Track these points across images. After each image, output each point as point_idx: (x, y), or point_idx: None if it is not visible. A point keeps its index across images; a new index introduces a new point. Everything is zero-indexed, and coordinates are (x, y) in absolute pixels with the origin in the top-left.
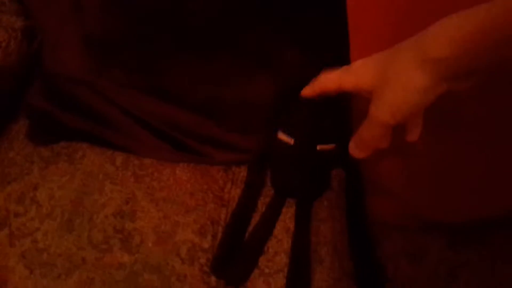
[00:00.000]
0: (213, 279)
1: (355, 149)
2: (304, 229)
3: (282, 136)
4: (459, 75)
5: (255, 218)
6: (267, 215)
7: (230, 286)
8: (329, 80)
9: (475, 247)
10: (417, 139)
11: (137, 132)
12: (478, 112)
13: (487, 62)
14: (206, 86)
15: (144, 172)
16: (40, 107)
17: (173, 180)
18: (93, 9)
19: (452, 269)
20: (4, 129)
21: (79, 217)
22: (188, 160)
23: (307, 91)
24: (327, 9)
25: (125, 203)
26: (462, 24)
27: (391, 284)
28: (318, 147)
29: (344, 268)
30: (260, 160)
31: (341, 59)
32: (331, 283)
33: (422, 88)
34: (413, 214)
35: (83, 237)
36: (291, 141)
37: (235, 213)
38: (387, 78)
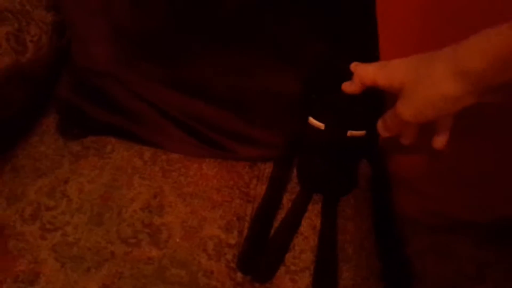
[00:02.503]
0: (239, 275)
1: (381, 127)
2: (330, 227)
3: (313, 121)
4: (488, 88)
5: (281, 215)
6: (293, 211)
7: (256, 283)
8: (365, 74)
9: (502, 246)
10: (443, 148)
11: (164, 127)
12: (505, 112)
13: None
14: (232, 78)
15: (172, 167)
16: (69, 101)
17: (200, 175)
18: (122, 3)
19: (480, 268)
20: (35, 124)
21: (108, 211)
22: (213, 155)
23: (348, 86)
24: (355, 2)
25: (153, 198)
26: (496, 40)
27: (418, 282)
28: (349, 133)
29: (371, 267)
30: (287, 154)
31: (369, 52)
32: (359, 282)
33: (450, 97)
34: (440, 212)
35: (112, 231)
36: (322, 126)
37: (261, 208)
38: (418, 80)
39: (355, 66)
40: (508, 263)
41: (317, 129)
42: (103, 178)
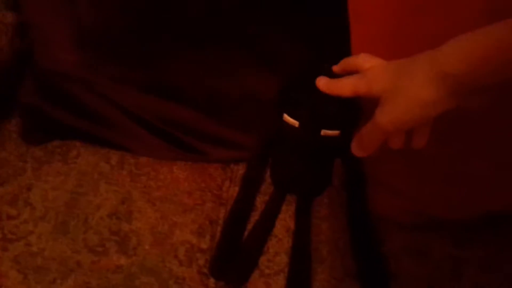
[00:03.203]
0: (212, 280)
1: (356, 147)
2: (304, 227)
3: (287, 118)
4: (469, 92)
5: (255, 217)
6: (266, 213)
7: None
8: (345, 86)
9: (479, 244)
10: (422, 148)
11: (133, 130)
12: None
13: (497, 80)
14: (206, 81)
15: (141, 171)
16: (32, 104)
17: (170, 179)
18: (86, 2)
19: (456, 266)
20: None
21: (74, 219)
22: (185, 158)
23: (323, 87)
24: (328, 4)
25: (121, 204)
26: (475, 43)
27: (394, 281)
28: (322, 132)
29: (346, 267)
30: (261, 154)
31: (343, 52)
32: (333, 283)
33: (430, 101)
34: (417, 210)
35: (78, 240)
36: (296, 123)
37: (233, 210)
38: (398, 87)
39: (327, 83)
40: (484, 261)
41: (291, 127)
42: (68, 184)
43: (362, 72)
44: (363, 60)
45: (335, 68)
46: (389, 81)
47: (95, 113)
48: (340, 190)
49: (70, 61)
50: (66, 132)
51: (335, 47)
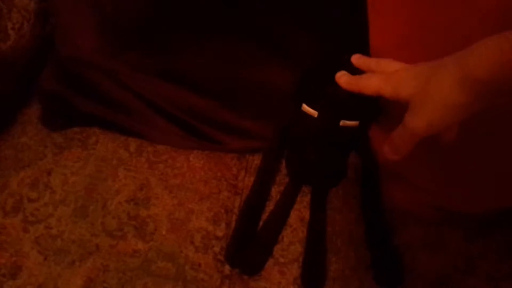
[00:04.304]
0: (227, 267)
1: (389, 151)
2: (319, 218)
3: (306, 108)
4: (497, 94)
5: (270, 207)
6: (281, 203)
7: (244, 275)
8: (368, 86)
9: (493, 238)
10: (449, 144)
11: (150, 118)
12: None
13: None
14: (222, 70)
15: (158, 159)
16: (53, 91)
17: (187, 167)
18: None
19: (470, 260)
20: (18, 114)
21: (93, 204)
22: (201, 147)
23: (345, 84)
24: None
25: (139, 190)
26: (505, 46)
27: (408, 273)
28: (341, 123)
29: (360, 258)
30: (277, 145)
31: (360, 44)
32: (347, 273)
33: (460, 105)
34: (431, 204)
35: (97, 223)
36: (315, 114)
37: (248, 200)
38: (427, 91)
39: (349, 80)
40: (499, 256)
41: (309, 117)
42: (88, 169)
43: (387, 74)
44: (386, 65)
45: (355, 61)
46: (417, 86)
47: (114, 100)
48: (355, 181)
49: (90, 48)
50: (86, 119)
51: (353, 38)
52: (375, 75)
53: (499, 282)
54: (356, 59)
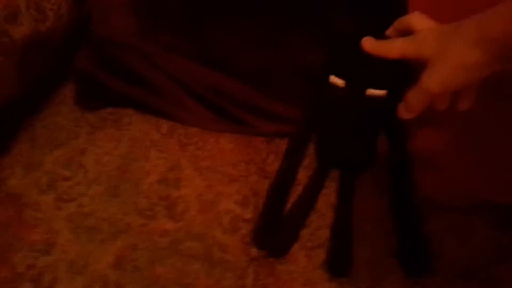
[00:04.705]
0: (254, 250)
1: (402, 109)
2: (347, 204)
3: (333, 79)
4: None
5: (298, 191)
6: (309, 187)
7: (270, 257)
8: (393, 48)
9: None
10: (466, 109)
11: (183, 100)
12: None
13: None
14: (256, 53)
15: (189, 141)
16: (87, 71)
17: (217, 150)
18: None
19: (499, 250)
20: (52, 94)
21: (125, 183)
22: (231, 129)
23: (369, 47)
24: None
25: (170, 171)
26: None
27: (436, 262)
28: (368, 92)
29: (388, 246)
30: (305, 127)
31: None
32: (375, 260)
33: (476, 64)
34: (461, 192)
35: (129, 203)
36: (342, 83)
37: (275, 182)
38: (445, 50)
39: (373, 44)
40: None
41: (337, 88)
42: (120, 150)
43: (410, 37)
44: (416, 20)
45: (388, 32)
46: (437, 45)
47: (147, 81)
48: (385, 169)
49: (125, 29)
50: (119, 100)
51: (390, 22)
52: (399, 38)
53: None
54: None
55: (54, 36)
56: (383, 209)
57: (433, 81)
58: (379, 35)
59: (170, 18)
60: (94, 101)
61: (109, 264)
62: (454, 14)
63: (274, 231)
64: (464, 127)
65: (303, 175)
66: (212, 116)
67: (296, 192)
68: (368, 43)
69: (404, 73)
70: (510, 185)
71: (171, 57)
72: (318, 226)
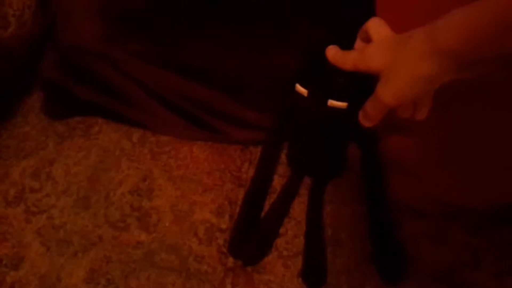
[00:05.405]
0: (230, 260)
1: (362, 117)
2: (315, 209)
3: (298, 87)
4: (465, 66)
5: (273, 199)
6: (283, 194)
7: (247, 267)
8: (347, 60)
9: (498, 233)
10: (424, 118)
11: (153, 108)
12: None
13: (493, 54)
14: (227, 60)
15: (161, 150)
16: (54, 79)
17: (190, 158)
18: None
19: (475, 255)
20: (19, 103)
21: (96, 194)
22: (205, 137)
23: (330, 57)
24: None
25: (142, 181)
26: (470, 18)
27: (411, 267)
28: (329, 103)
29: (364, 251)
30: (277, 134)
31: None
32: (351, 267)
33: (428, 76)
34: (436, 197)
35: (100, 214)
36: (305, 92)
37: (250, 190)
38: (396, 62)
39: (334, 54)
40: (503, 250)
41: (301, 97)
42: (90, 160)
43: (361, 49)
44: (372, 27)
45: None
46: (386, 57)
47: (116, 89)
48: (359, 175)
49: (92, 35)
50: (88, 108)
51: (358, 27)
52: (354, 50)
53: (504, 277)
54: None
55: (18, 43)
56: (357, 216)
57: (387, 93)
58: (348, 43)
59: (138, 24)
60: (62, 110)
61: (81, 278)
62: (420, 18)
63: (248, 240)
64: (437, 133)
65: (279, 183)
66: (184, 123)
67: (272, 199)
68: (330, 53)
69: (367, 83)
70: (484, 191)
71: (140, 64)
72: (294, 234)
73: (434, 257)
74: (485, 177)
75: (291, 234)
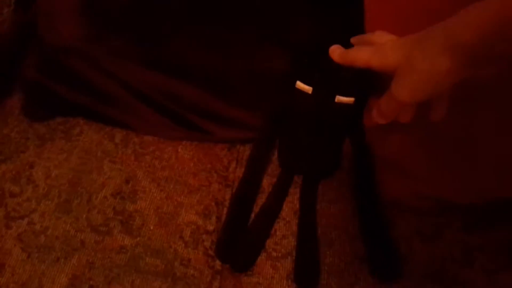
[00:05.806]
0: (218, 263)
1: (377, 115)
2: (309, 210)
3: (300, 85)
4: (482, 61)
5: (262, 199)
6: (273, 195)
7: (236, 271)
8: (359, 57)
9: (490, 230)
10: (439, 120)
11: (136, 107)
12: (497, 89)
13: (505, 51)
14: (212, 58)
15: (145, 151)
16: (35, 79)
17: (175, 159)
18: None
19: (468, 252)
20: None
21: (77, 198)
22: (190, 137)
23: (337, 56)
24: None
25: (125, 183)
26: (488, 11)
27: (404, 265)
28: (337, 99)
29: (355, 251)
30: (268, 133)
31: (355, 30)
32: (342, 267)
33: (445, 72)
34: (428, 194)
35: (82, 219)
36: (309, 90)
37: (239, 191)
38: (412, 59)
39: (341, 54)
40: (496, 247)
41: (304, 94)
42: (71, 162)
43: (375, 46)
44: (379, 37)
45: (352, 40)
46: (403, 54)
47: (98, 89)
48: (350, 173)
49: (73, 34)
50: (69, 109)
51: (348, 25)
52: (365, 47)
53: (497, 274)
54: (352, 38)
55: None
56: (348, 213)
57: (402, 90)
58: (346, 40)
59: (120, 23)
60: (42, 110)
61: (63, 285)
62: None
63: (237, 244)
64: (429, 130)
65: (267, 183)
66: (168, 123)
67: (261, 200)
68: (337, 53)
69: (371, 80)
70: (476, 188)
71: (123, 63)
72: (283, 235)
73: (426, 256)
74: (476, 172)
75: (280, 235)
